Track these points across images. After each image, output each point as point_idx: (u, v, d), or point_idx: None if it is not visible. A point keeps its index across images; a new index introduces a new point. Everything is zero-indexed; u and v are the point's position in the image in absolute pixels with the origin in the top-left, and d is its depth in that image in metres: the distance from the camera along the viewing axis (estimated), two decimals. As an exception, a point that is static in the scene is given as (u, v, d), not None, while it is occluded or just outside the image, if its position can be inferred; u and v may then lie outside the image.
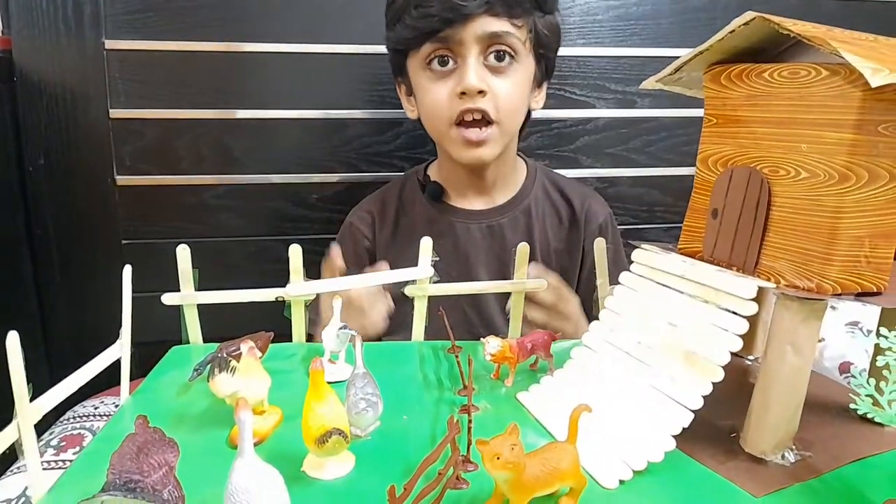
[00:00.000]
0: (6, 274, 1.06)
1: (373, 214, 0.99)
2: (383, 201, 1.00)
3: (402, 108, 0.99)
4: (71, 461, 0.78)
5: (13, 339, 0.41)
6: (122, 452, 0.37)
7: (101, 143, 1.07)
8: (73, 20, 1.03)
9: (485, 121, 0.85)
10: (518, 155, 1.00)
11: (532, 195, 0.98)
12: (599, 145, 1.21)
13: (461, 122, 0.86)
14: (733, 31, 0.50)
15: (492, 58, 0.84)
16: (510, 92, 0.85)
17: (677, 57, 0.56)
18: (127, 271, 0.57)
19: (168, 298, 0.65)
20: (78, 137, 1.06)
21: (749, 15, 0.48)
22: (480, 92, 0.83)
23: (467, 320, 0.94)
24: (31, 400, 0.44)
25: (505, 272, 0.71)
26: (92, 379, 0.52)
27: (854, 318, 0.93)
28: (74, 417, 0.91)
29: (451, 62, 0.85)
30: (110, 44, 1.04)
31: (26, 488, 0.72)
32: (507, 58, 0.84)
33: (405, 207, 0.99)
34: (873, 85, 0.39)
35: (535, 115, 0.97)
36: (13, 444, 0.43)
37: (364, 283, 0.70)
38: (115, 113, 1.07)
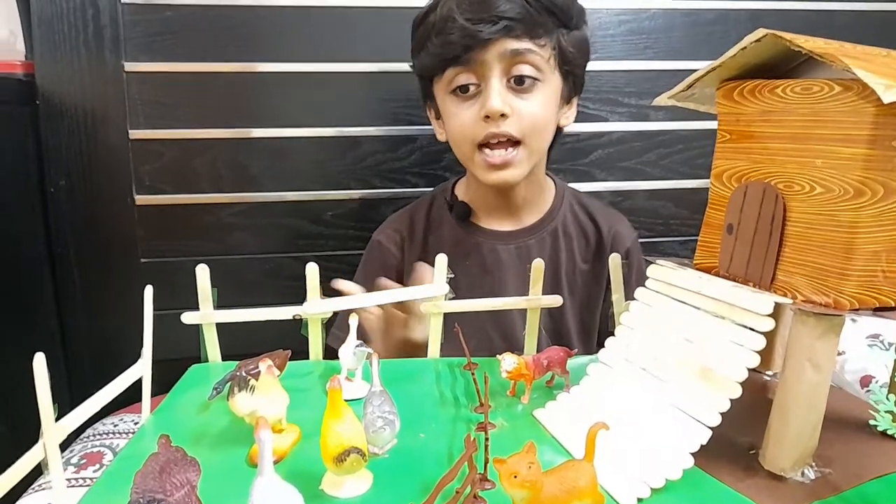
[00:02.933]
0: (27, 292, 1.08)
1: (401, 234, 0.99)
2: (412, 220, 1.00)
3: (415, 125, 1.01)
4: (91, 478, 0.79)
5: (40, 361, 0.41)
6: (145, 472, 0.37)
7: (121, 163, 1.09)
8: (94, 44, 1.05)
9: (510, 142, 0.85)
10: (547, 174, 0.99)
11: (560, 216, 0.97)
12: (613, 159, 1.21)
13: (485, 145, 0.86)
14: (745, 47, 0.50)
15: (514, 80, 0.83)
16: (535, 112, 0.85)
17: (690, 70, 0.56)
18: (148, 291, 0.58)
19: (188, 318, 0.66)
20: (98, 158, 1.09)
21: (761, 32, 0.48)
22: (503, 115, 0.82)
23: (490, 341, 0.93)
24: (57, 419, 0.44)
25: None
26: (110, 396, 0.53)
27: (875, 330, 0.92)
28: (94, 435, 0.92)
29: (473, 87, 0.85)
30: (130, 66, 1.07)
31: (49, 506, 0.73)
32: (530, 79, 0.84)
33: (433, 227, 0.99)
34: (886, 101, 0.39)
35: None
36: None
37: (382, 301, 0.71)
38: (135, 134, 1.09)
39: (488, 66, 0.82)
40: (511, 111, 0.83)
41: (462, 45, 0.81)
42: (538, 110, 0.85)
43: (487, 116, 0.83)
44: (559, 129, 0.94)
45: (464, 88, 0.85)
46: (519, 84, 0.84)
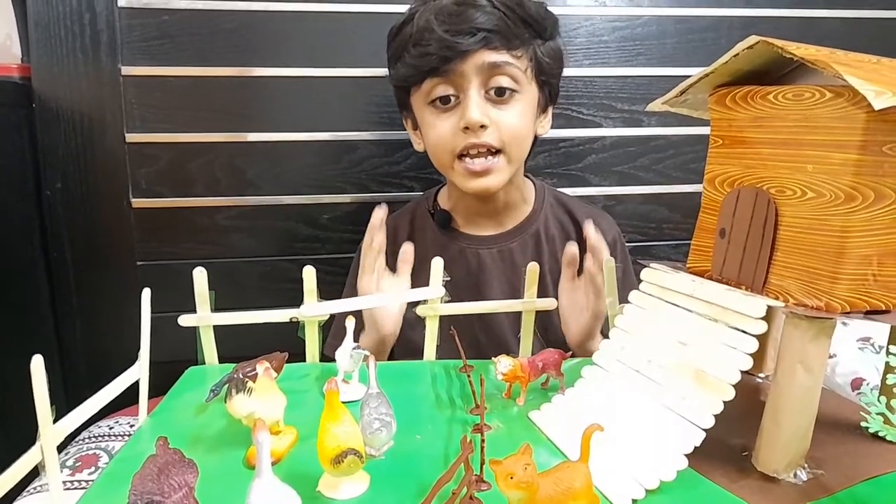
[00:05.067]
0: (23, 295, 1.08)
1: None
2: (395, 228, 1.01)
3: (411, 130, 1.01)
4: (86, 481, 0.79)
5: (38, 363, 0.41)
6: (143, 473, 0.38)
7: (117, 166, 1.09)
8: (91, 47, 1.05)
9: (490, 151, 0.86)
10: (526, 176, 1.00)
11: (541, 218, 0.98)
12: (607, 164, 1.21)
13: (465, 155, 0.86)
14: (737, 54, 0.51)
15: (493, 91, 0.84)
16: (514, 123, 0.86)
17: (682, 76, 0.57)
18: (146, 295, 0.59)
19: (185, 320, 0.66)
20: (94, 161, 1.09)
21: (753, 39, 0.49)
22: (482, 126, 0.83)
23: (478, 345, 0.94)
24: (54, 422, 0.45)
25: (517, 296, 0.71)
26: (105, 398, 0.53)
27: (865, 333, 0.93)
28: (90, 437, 0.92)
29: (452, 99, 0.85)
30: (126, 70, 1.07)
31: (44, 509, 0.73)
32: (509, 90, 0.85)
33: (416, 234, 1.00)
34: (876, 108, 0.40)
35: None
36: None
37: (377, 303, 0.71)
38: (131, 137, 1.09)
39: (466, 77, 0.83)
40: (490, 122, 0.84)
41: (440, 57, 0.82)
42: (517, 121, 0.86)
43: (467, 127, 0.83)
44: (535, 138, 0.95)
45: (443, 100, 0.86)
46: (497, 95, 0.85)
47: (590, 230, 0.76)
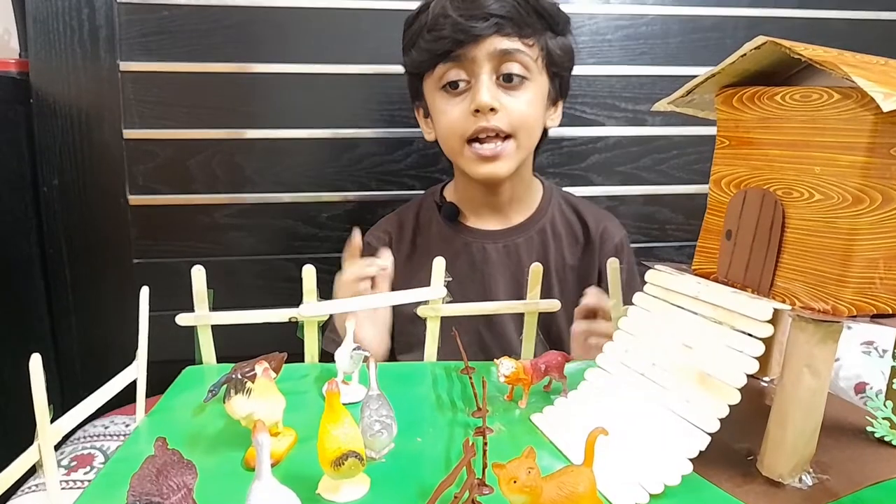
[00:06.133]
0: (19, 293, 1.07)
1: (390, 234, 1.00)
2: (400, 222, 1.01)
3: (412, 127, 1.01)
4: (81, 481, 0.78)
5: (36, 362, 0.41)
6: (141, 474, 0.37)
7: (115, 163, 1.08)
8: (89, 43, 1.05)
9: (500, 136, 0.87)
10: (534, 175, 1.01)
11: (548, 215, 0.98)
12: (610, 163, 1.21)
13: (475, 139, 0.87)
14: (744, 54, 0.50)
15: (503, 77, 0.85)
16: (523, 109, 0.87)
17: (687, 76, 0.56)
18: (144, 293, 0.58)
19: (182, 319, 0.66)
20: (92, 157, 1.08)
21: (760, 39, 0.48)
22: (493, 110, 0.84)
23: (482, 341, 0.94)
24: (51, 421, 0.44)
25: (521, 292, 0.71)
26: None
27: (869, 337, 0.92)
28: (85, 437, 0.91)
29: (463, 83, 0.86)
30: (125, 66, 1.06)
31: (39, 508, 0.72)
32: (519, 77, 0.86)
33: (421, 228, 1.00)
34: (885, 109, 0.40)
35: (545, 133, 0.98)
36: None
37: (378, 303, 0.70)
38: (129, 133, 1.08)
39: (478, 62, 0.84)
40: (500, 106, 0.85)
41: (453, 41, 0.83)
42: (526, 107, 0.87)
43: (477, 111, 0.85)
44: (545, 132, 0.95)
45: (454, 84, 0.87)
46: (507, 81, 0.86)
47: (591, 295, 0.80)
